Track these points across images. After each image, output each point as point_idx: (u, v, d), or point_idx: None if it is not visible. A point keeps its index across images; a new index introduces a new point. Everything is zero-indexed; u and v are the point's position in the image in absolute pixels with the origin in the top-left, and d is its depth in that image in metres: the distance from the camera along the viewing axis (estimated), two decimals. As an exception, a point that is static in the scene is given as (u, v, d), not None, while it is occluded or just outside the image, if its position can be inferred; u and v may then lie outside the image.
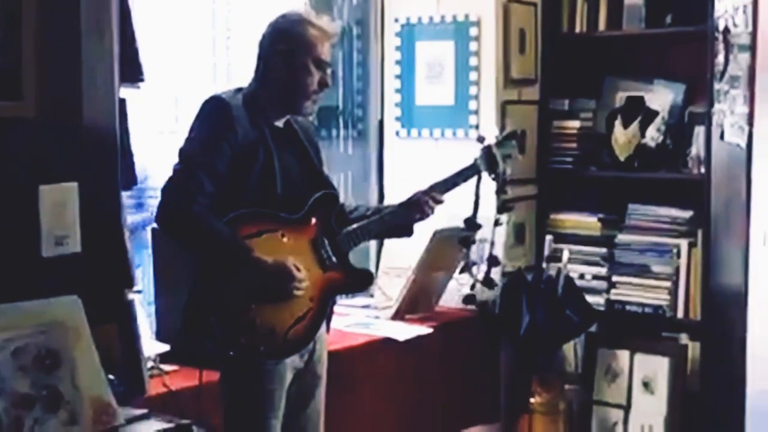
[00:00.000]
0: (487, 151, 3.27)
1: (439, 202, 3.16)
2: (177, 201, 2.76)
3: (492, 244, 3.63)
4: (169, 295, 3.27)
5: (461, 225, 3.68)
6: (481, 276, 4.12)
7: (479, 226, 3.37)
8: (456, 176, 3.23)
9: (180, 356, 3.23)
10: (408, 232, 3.20)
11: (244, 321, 2.80)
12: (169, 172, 2.83)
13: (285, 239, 2.90)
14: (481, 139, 3.33)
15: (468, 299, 4.10)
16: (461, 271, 3.88)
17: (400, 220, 3.14)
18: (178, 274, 2.99)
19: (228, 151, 2.81)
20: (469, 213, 3.43)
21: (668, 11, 4.37)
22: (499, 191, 3.32)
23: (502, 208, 3.39)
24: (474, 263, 3.93)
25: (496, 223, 3.47)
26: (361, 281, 3.14)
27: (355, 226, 3.06)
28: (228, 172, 2.81)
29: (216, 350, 2.85)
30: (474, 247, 3.89)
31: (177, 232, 2.81)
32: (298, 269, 2.84)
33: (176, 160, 2.85)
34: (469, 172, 3.25)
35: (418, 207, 3.13)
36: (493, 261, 3.66)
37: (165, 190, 2.79)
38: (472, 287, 4.16)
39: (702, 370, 4.24)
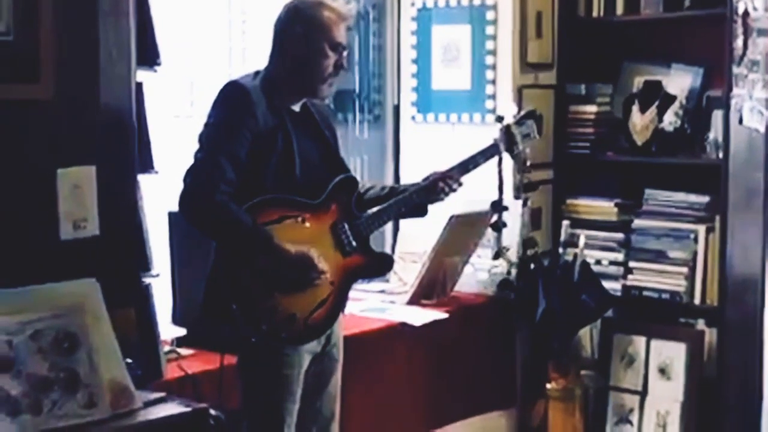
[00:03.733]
0: (506, 131, 3.26)
1: (460, 183, 3.14)
2: (200, 189, 2.75)
3: (524, 225, 3.61)
4: (186, 278, 3.28)
5: (477, 209, 3.68)
6: (515, 259, 4.13)
7: (506, 208, 3.36)
8: (476, 156, 3.21)
9: (197, 340, 3.24)
10: (423, 212, 3.19)
11: (266, 308, 2.80)
12: (190, 159, 2.82)
13: (306, 224, 2.89)
14: (500, 119, 3.32)
15: (504, 284, 4.10)
16: (495, 257, 3.85)
17: (424, 198, 3.12)
18: (195, 257, 2.99)
19: (249, 137, 2.80)
20: (485, 198, 3.43)
21: (687, -6, 4.34)
22: (521, 171, 3.30)
23: (527, 187, 3.38)
24: (507, 248, 3.91)
25: (525, 202, 3.46)
26: (381, 265, 3.15)
27: (375, 209, 3.06)
28: (248, 158, 2.80)
29: (237, 336, 2.85)
30: (489, 231, 3.89)
31: (199, 220, 2.80)
32: (320, 259, 2.83)
33: (196, 146, 2.84)
34: (490, 152, 3.24)
35: (438, 186, 3.11)
36: (529, 243, 3.64)
37: (187, 178, 2.77)
38: (508, 272, 4.15)
39: (719, 356, 4.22)
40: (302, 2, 2.97)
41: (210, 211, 2.76)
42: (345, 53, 2.97)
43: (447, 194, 3.13)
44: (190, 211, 2.79)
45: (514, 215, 3.57)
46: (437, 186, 3.11)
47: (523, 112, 3.36)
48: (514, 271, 4.20)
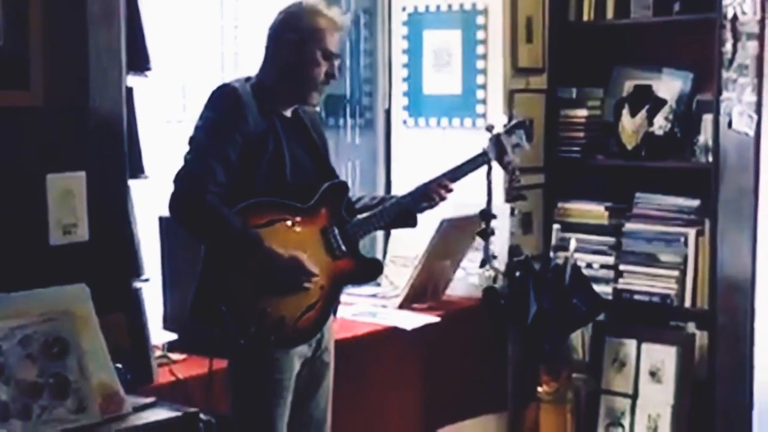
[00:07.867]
0: (496, 140, 3.27)
1: (450, 189, 3.15)
2: (190, 191, 2.75)
3: (511, 234, 3.62)
4: (177, 283, 3.28)
5: (468, 213, 3.69)
6: (502, 267, 4.13)
7: (494, 217, 3.37)
8: (465, 165, 3.22)
9: (188, 345, 3.24)
10: (412, 222, 3.20)
11: (255, 310, 2.80)
12: (180, 162, 2.83)
13: (296, 228, 2.90)
14: (489, 128, 3.32)
15: (489, 292, 4.10)
16: (481, 266, 3.86)
17: (413, 204, 3.12)
18: (186, 262, 3.00)
19: (239, 140, 2.80)
20: (476, 202, 3.44)
21: (676, -1, 4.36)
22: (512, 180, 3.31)
23: (516, 196, 3.39)
24: (494, 256, 3.92)
25: (513, 212, 3.47)
26: (371, 270, 3.14)
27: (365, 215, 3.06)
28: (238, 161, 2.80)
29: (226, 339, 2.86)
30: (478, 238, 3.90)
31: (189, 222, 2.81)
32: (311, 262, 2.84)
33: (186, 149, 2.85)
34: (479, 160, 3.25)
35: (429, 194, 3.12)
36: (514, 251, 3.65)
37: (177, 180, 2.78)
38: (495, 280, 4.16)
39: (709, 359, 4.23)
40: (298, 9, 2.96)
41: (200, 212, 2.76)
42: (337, 62, 2.97)
43: (436, 202, 3.14)
44: (180, 213, 2.79)
45: (503, 222, 3.58)
46: (426, 193, 3.12)
47: (513, 122, 3.37)
48: (501, 279, 4.20)
